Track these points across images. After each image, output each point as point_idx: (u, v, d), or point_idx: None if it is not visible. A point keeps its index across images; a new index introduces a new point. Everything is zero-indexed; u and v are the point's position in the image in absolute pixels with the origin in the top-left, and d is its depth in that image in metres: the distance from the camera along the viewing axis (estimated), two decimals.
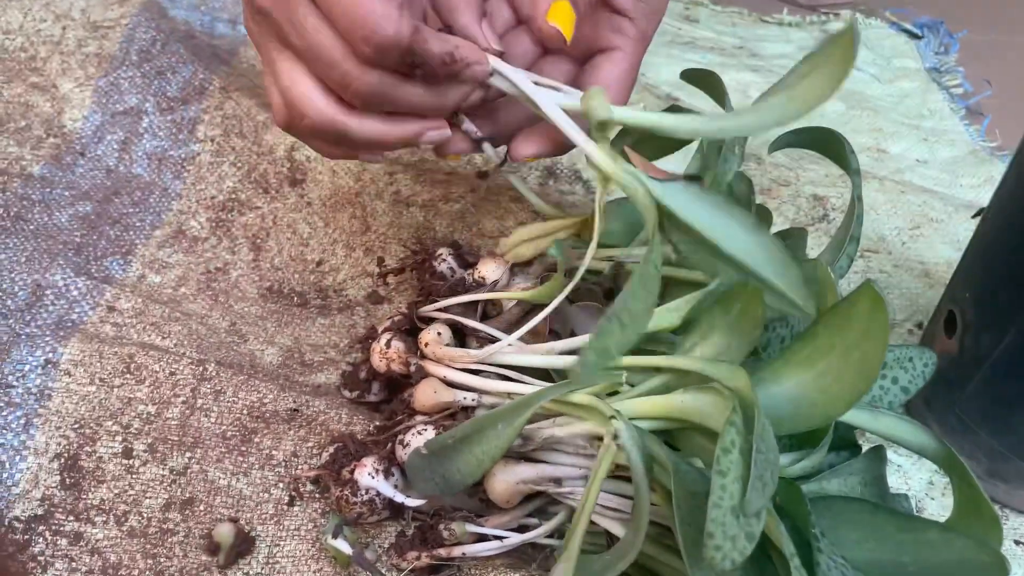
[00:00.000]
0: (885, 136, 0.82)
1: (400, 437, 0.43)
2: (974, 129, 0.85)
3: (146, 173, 0.63)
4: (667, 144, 0.49)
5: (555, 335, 0.48)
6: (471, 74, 0.39)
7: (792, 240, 0.53)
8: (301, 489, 0.45)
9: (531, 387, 0.43)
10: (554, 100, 0.39)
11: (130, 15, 0.73)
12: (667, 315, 0.45)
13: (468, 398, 0.43)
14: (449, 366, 0.44)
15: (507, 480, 0.41)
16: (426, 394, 0.44)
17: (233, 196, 0.63)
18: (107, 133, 0.65)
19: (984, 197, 0.75)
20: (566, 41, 0.42)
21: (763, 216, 0.55)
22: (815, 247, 0.66)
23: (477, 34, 0.40)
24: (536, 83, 0.40)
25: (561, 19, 0.42)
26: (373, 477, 0.43)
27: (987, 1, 1.07)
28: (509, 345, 0.46)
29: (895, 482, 0.53)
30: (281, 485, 0.46)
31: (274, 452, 0.47)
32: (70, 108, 0.66)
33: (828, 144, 0.47)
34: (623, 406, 0.40)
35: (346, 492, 0.43)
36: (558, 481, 0.41)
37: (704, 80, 0.49)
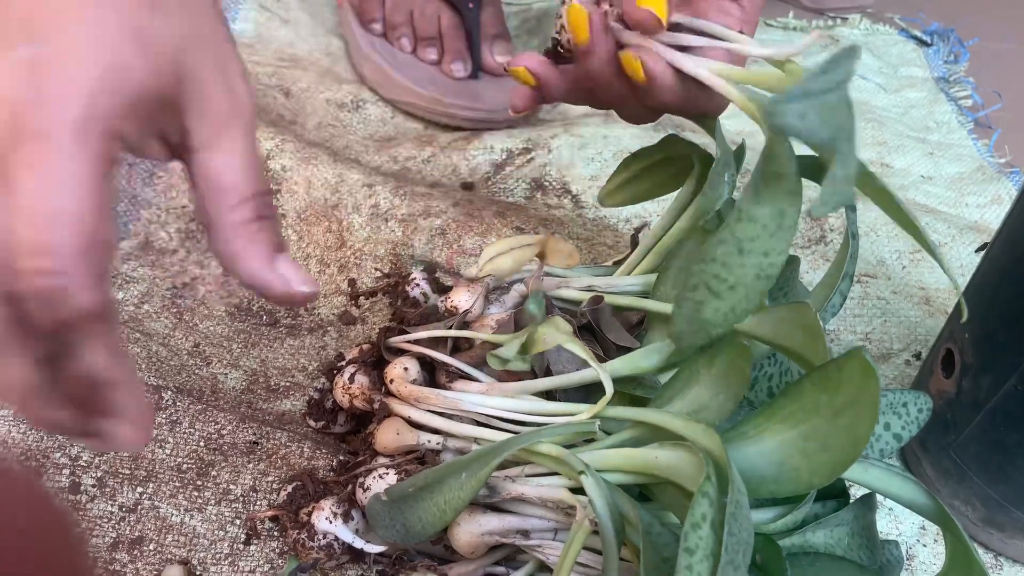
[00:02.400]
0: (889, 149, 0.79)
1: (361, 480, 0.41)
2: (982, 144, 0.82)
3: (115, 180, 0.61)
4: None
5: (530, 373, 0.46)
6: (106, 428, 0.29)
7: (784, 270, 0.51)
8: (259, 527, 0.43)
9: (499, 432, 0.40)
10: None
11: None
12: (647, 357, 0.42)
13: (433, 441, 0.41)
14: (414, 406, 0.42)
15: (471, 531, 0.38)
16: (388, 435, 0.41)
17: None
18: None
19: (989, 217, 0.72)
20: (662, 23, 0.38)
21: None
22: (811, 271, 0.64)
23: (267, 279, 0.31)
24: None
25: (654, 1, 0.38)
26: (331, 521, 0.40)
27: (1001, 9, 1.04)
28: (478, 382, 0.44)
29: (886, 526, 0.50)
30: (238, 522, 0.44)
31: (231, 487, 0.44)
32: None
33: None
34: (595, 457, 0.38)
35: (303, 535, 0.41)
36: (525, 533, 0.39)
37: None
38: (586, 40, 0.39)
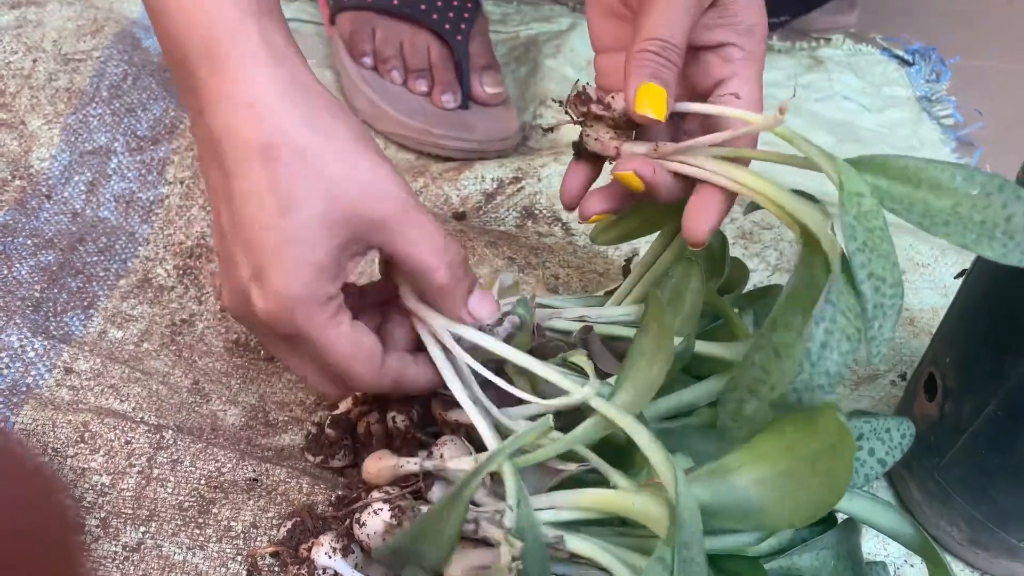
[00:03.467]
0: None
1: (357, 516, 0.42)
2: (965, 162, 0.83)
3: (113, 216, 0.62)
4: None
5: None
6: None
7: (769, 299, 0.52)
8: (260, 563, 0.44)
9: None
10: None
11: (102, 47, 0.72)
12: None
13: (412, 462, 0.42)
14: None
15: (460, 565, 0.39)
16: (374, 466, 0.43)
17: (202, 241, 0.61)
18: (75, 174, 0.64)
19: None
20: (660, 122, 0.40)
21: (739, 271, 0.54)
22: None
23: (460, 314, 0.43)
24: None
25: (651, 102, 0.40)
26: (330, 556, 0.41)
27: (981, 27, 1.06)
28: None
29: (873, 547, 0.51)
30: (239, 559, 0.44)
31: (232, 523, 0.45)
32: (38, 147, 0.65)
33: None
34: (561, 498, 0.39)
35: (303, 571, 0.42)
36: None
37: None
38: (642, 188, 0.42)
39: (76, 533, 0.26)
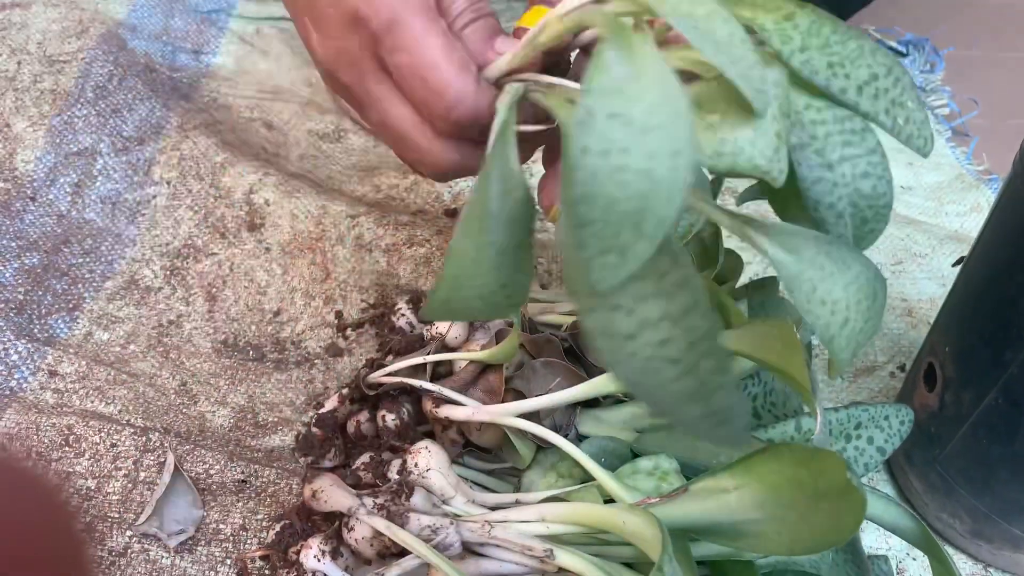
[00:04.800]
0: None
1: (346, 519, 0.41)
2: (960, 151, 0.82)
3: (99, 218, 0.61)
4: None
5: (518, 394, 0.46)
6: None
7: (766, 290, 0.51)
8: (249, 567, 0.43)
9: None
10: None
11: (87, 48, 0.71)
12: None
13: (356, 508, 0.41)
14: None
15: None
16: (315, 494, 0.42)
17: (189, 242, 0.60)
18: (60, 175, 0.63)
19: (969, 226, 0.72)
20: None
21: (733, 263, 0.53)
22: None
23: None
24: None
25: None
26: (319, 560, 0.40)
27: (974, 16, 1.05)
28: (463, 406, 0.44)
29: (874, 541, 0.51)
30: (228, 562, 0.44)
31: (221, 526, 0.44)
32: (23, 149, 0.64)
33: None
34: (550, 511, 0.38)
35: (293, 574, 0.41)
36: None
37: None
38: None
39: (86, 549, 0.25)
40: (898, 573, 0.50)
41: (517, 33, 0.39)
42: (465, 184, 0.69)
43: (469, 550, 0.39)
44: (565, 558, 0.36)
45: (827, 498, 0.30)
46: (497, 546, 0.38)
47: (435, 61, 0.33)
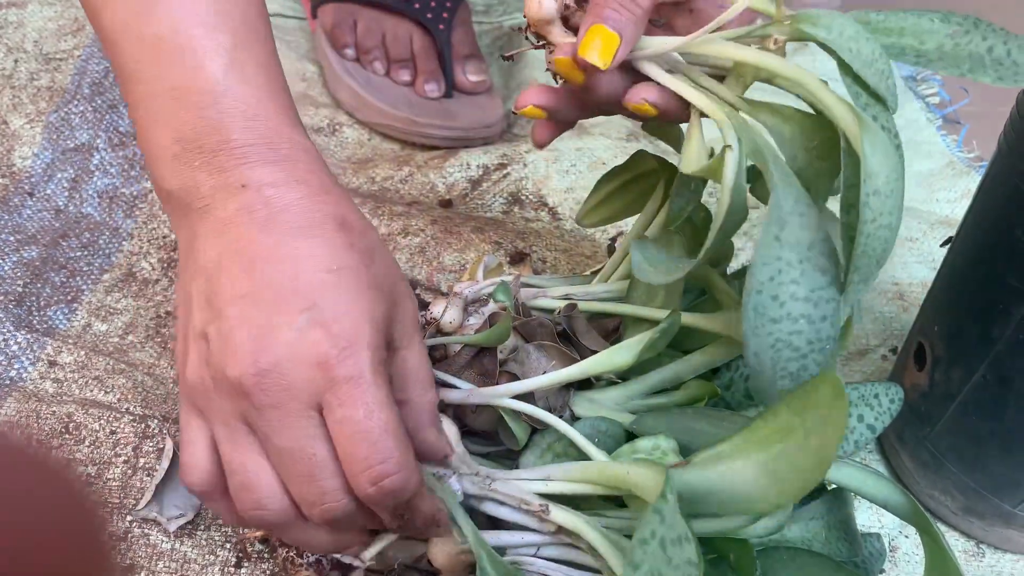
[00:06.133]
0: None
1: None
2: (951, 139, 0.83)
3: (96, 213, 0.61)
4: None
5: (512, 377, 0.47)
6: (436, 533, 0.38)
7: None
8: (249, 549, 0.44)
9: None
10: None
11: (83, 46, 0.72)
12: (620, 353, 0.43)
13: None
14: None
15: (447, 551, 0.39)
16: None
17: None
18: (57, 171, 0.63)
19: (960, 212, 0.73)
20: (600, 70, 0.38)
21: (725, 249, 0.53)
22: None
23: (442, 448, 0.39)
24: None
25: (599, 46, 0.37)
26: None
27: (965, 5, 1.05)
28: (458, 389, 0.45)
29: (868, 519, 0.51)
30: (228, 545, 0.44)
31: None
32: (20, 145, 0.65)
33: None
34: (554, 470, 0.39)
35: (291, 554, 0.41)
36: (501, 551, 0.39)
37: (663, 130, 0.48)
38: (582, 81, 0.39)
39: (105, 531, 0.25)
40: (891, 550, 0.50)
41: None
42: (460, 174, 0.70)
43: (469, 506, 0.39)
44: (560, 515, 0.37)
45: (814, 433, 0.31)
46: (496, 501, 0.39)
47: (379, 426, 0.33)
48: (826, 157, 0.37)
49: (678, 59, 0.40)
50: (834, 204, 0.37)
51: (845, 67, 0.35)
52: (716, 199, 0.69)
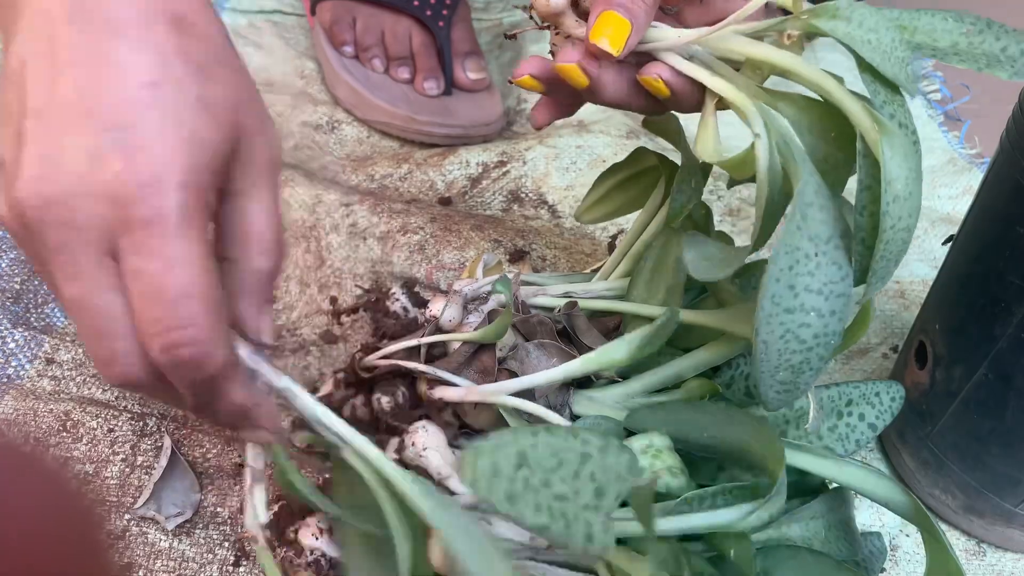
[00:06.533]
0: None
1: None
2: (953, 136, 0.83)
3: None
4: None
5: (511, 374, 0.47)
6: (255, 435, 0.35)
7: (755, 275, 0.52)
8: (247, 548, 0.44)
9: None
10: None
11: None
12: (618, 349, 0.43)
13: None
14: None
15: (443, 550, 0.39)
16: None
17: None
18: None
19: (961, 209, 0.73)
20: (614, 57, 0.36)
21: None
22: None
23: (254, 323, 0.34)
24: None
25: (611, 33, 0.36)
26: (317, 538, 0.41)
27: (966, 2, 1.05)
28: (457, 387, 0.44)
29: (868, 518, 0.51)
30: (226, 544, 0.44)
31: (219, 509, 0.45)
32: None
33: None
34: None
35: (290, 554, 0.41)
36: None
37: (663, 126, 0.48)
38: (587, 84, 0.38)
39: (101, 531, 0.25)
40: (891, 549, 0.50)
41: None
42: (460, 171, 0.69)
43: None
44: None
45: None
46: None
47: (183, 283, 0.28)
48: (844, 148, 0.37)
49: (696, 50, 0.40)
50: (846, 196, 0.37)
51: (863, 64, 0.34)
52: (716, 197, 0.69)
